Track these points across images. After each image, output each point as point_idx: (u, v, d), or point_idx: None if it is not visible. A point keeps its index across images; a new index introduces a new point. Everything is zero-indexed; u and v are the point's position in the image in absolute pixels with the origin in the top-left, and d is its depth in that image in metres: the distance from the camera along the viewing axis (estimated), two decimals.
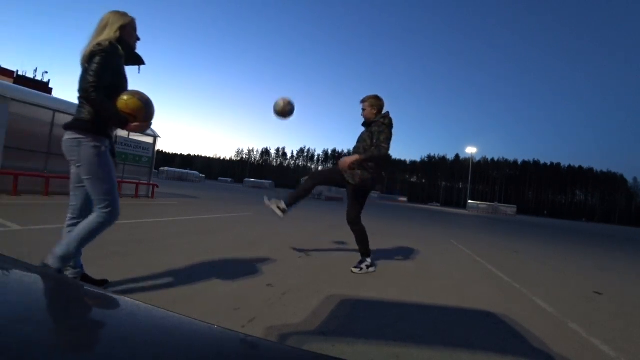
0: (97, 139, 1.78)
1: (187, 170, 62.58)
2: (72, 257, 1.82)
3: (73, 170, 1.85)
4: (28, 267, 0.51)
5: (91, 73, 1.68)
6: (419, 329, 1.92)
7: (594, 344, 1.98)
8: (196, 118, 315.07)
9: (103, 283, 2.10)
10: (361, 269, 3.15)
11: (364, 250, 3.27)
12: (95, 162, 1.76)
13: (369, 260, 3.24)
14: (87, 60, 1.73)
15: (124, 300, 0.43)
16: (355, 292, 2.51)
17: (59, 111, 7.57)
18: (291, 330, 1.71)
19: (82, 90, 1.71)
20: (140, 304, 0.42)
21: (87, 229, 1.78)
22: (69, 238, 1.77)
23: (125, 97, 1.78)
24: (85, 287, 0.45)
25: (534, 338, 1.96)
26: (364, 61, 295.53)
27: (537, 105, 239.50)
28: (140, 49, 2.01)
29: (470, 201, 57.60)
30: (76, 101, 1.79)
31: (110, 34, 1.83)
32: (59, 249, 1.75)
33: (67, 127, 1.79)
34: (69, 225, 1.92)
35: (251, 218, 7.31)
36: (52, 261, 1.73)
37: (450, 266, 4.05)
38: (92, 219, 1.80)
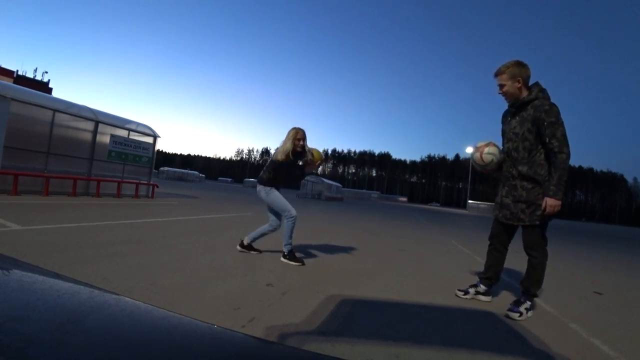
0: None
1: (187, 170, 62.59)
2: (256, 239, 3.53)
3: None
4: (28, 267, 0.51)
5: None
6: (419, 328, 1.92)
7: (594, 344, 1.98)
8: (196, 118, 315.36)
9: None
10: (521, 313, 2.26)
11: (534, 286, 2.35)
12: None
13: (530, 303, 2.33)
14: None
15: (124, 300, 0.43)
16: (355, 292, 2.51)
17: (59, 111, 7.57)
18: (291, 330, 1.71)
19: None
20: (140, 304, 0.42)
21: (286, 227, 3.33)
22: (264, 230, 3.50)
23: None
24: (85, 287, 0.45)
25: (534, 338, 1.96)
26: (364, 61, 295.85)
27: None
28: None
29: (470, 201, 57.52)
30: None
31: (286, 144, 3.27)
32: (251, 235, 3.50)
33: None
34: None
35: (251, 218, 7.31)
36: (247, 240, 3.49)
37: (451, 266, 4.05)
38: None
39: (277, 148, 3.39)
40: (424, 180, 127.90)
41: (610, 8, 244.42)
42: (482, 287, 2.61)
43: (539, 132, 2.26)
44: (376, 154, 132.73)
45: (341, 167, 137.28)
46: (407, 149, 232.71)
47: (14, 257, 0.54)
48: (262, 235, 3.50)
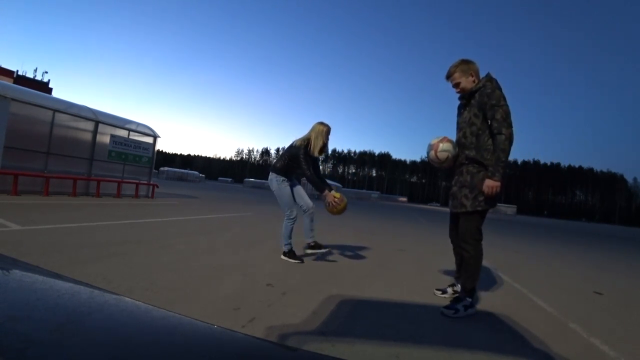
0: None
1: (187, 170, 62.62)
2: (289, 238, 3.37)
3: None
4: (28, 267, 0.51)
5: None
6: (419, 328, 1.92)
7: (594, 344, 1.98)
8: (196, 118, 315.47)
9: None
10: (456, 310, 2.17)
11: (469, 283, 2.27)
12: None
13: (469, 300, 2.25)
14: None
15: (124, 300, 0.43)
16: (355, 292, 2.51)
17: (59, 111, 7.57)
18: (291, 330, 1.71)
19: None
20: (140, 304, 0.42)
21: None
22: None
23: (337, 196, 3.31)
24: (85, 287, 0.45)
25: (534, 338, 1.96)
26: (364, 60, 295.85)
27: (537, 105, 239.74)
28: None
29: None
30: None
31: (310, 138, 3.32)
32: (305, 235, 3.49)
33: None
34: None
35: (251, 218, 7.31)
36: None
37: (451, 266, 4.05)
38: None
39: (297, 140, 3.35)
40: (424, 180, 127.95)
41: (610, 8, 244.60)
42: (459, 287, 2.52)
43: (485, 117, 2.26)
44: (376, 154, 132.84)
45: (341, 167, 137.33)
46: (407, 149, 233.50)
47: (14, 257, 0.54)
48: (311, 225, 3.47)
